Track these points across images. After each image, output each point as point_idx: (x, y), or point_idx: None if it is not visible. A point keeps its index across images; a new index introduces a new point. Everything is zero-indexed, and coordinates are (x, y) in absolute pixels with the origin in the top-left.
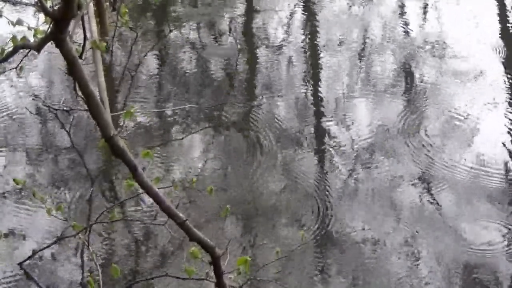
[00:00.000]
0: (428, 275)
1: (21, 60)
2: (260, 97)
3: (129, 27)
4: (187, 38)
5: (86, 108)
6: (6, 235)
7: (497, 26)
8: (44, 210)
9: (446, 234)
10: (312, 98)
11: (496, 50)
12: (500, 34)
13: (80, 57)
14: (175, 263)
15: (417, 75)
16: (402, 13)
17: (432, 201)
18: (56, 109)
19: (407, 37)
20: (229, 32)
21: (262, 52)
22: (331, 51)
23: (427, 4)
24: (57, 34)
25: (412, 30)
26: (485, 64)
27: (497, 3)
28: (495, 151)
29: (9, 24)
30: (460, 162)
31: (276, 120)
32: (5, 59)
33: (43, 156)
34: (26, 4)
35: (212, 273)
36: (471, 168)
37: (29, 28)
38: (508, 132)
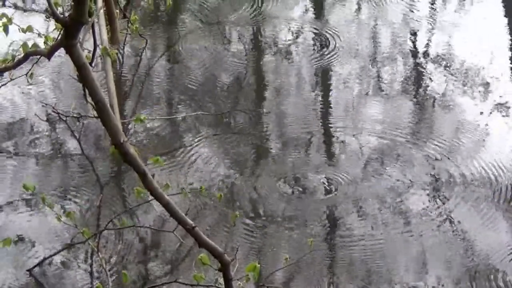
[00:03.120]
0: (438, 283)
1: (32, 67)
2: (269, 104)
3: (139, 34)
4: (197, 44)
5: (96, 115)
6: (15, 242)
7: (509, 36)
8: (53, 216)
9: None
10: (320, 106)
11: (509, 60)
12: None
13: (90, 64)
14: (184, 269)
15: (427, 85)
16: (412, 22)
17: (442, 209)
18: (66, 116)
19: (416, 45)
20: (238, 39)
21: (270, 59)
22: (340, 60)
23: (437, 13)
24: (68, 41)
25: (422, 39)
26: (496, 74)
27: (508, 13)
28: (506, 160)
29: (19, 30)
30: (471, 170)
31: (285, 127)
32: (16, 65)
33: (53, 163)
34: (37, 11)
35: (221, 280)
36: (483, 175)
37: (39, 35)
38: None
